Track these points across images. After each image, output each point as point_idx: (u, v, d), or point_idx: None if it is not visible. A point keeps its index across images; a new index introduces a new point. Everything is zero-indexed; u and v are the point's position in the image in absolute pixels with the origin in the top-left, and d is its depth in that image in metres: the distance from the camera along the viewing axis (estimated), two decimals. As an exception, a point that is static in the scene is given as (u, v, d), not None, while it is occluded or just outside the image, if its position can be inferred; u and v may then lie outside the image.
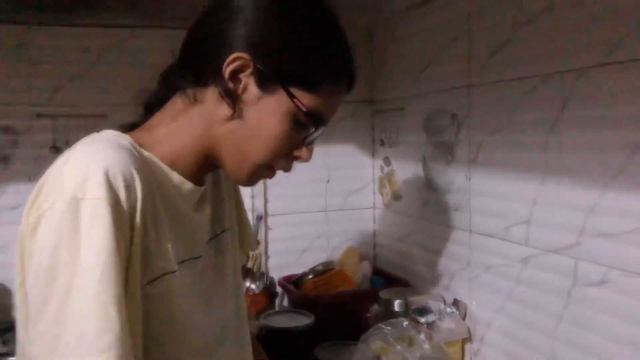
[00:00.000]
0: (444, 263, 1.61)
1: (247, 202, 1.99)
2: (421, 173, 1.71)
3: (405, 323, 1.39)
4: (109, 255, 0.62)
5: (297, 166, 2.24)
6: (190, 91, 0.78)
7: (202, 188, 0.83)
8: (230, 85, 0.74)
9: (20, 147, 1.72)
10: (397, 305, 1.52)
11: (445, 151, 1.57)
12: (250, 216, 1.98)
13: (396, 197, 1.89)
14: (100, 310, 0.61)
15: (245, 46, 0.74)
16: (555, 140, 1.19)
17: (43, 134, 1.72)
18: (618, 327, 1.07)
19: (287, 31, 0.75)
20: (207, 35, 0.78)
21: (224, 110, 0.76)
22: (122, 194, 0.65)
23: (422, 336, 1.35)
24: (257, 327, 1.59)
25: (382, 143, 1.96)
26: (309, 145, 0.82)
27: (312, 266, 1.87)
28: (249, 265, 1.85)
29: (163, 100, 0.82)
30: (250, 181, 0.83)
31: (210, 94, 0.76)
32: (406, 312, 1.50)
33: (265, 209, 1.93)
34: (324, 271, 1.80)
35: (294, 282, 1.81)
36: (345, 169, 2.02)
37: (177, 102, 0.80)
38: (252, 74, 0.74)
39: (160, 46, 1.80)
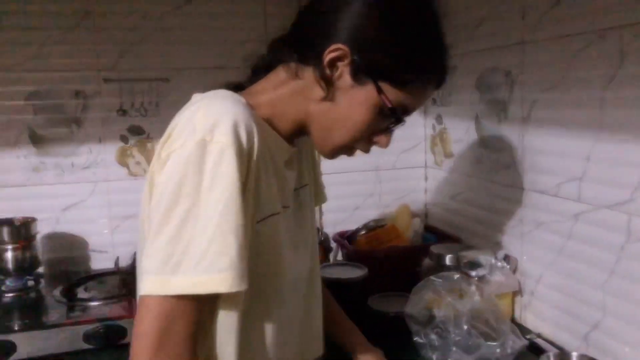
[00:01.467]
0: (496, 220, 1.64)
1: (301, 161, 2.06)
2: (474, 131, 1.73)
3: (457, 276, 1.42)
4: (232, 192, 0.72)
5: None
6: (293, 65, 0.87)
7: (294, 149, 0.92)
8: (328, 71, 0.82)
9: (90, 110, 1.82)
10: (448, 259, 1.55)
11: (499, 109, 1.58)
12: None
13: (448, 155, 1.91)
14: (220, 237, 0.71)
15: (347, 38, 0.81)
16: (611, 97, 1.19)
17: (111, 98, 1.82)
18: (669, 281, 1.08)
19: (387, 30, 0.81)
20: (315, 22, 0.85)
21: (319, 91, 0.84)
22: (245, 143, 0.75)
23: (473, 288, 1.38)
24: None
25: (434, 101, 1.97)
26: (389, 133, 0.89)
27: (365, 222, 1.92)
28: (305, 221, 1.92)
29: (269, 66, 0.91)
30: (332, 156, 0.92)
31: (310, 74, 0.84)
32: (457, 266, 1.53)
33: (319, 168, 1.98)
34: (376, 227, 1.84)
35: (347, 238, 1.87)
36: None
37: (280, 73, 0.89)
38: (349, 64, 0.82)
39: (215, 10, 1.86)
